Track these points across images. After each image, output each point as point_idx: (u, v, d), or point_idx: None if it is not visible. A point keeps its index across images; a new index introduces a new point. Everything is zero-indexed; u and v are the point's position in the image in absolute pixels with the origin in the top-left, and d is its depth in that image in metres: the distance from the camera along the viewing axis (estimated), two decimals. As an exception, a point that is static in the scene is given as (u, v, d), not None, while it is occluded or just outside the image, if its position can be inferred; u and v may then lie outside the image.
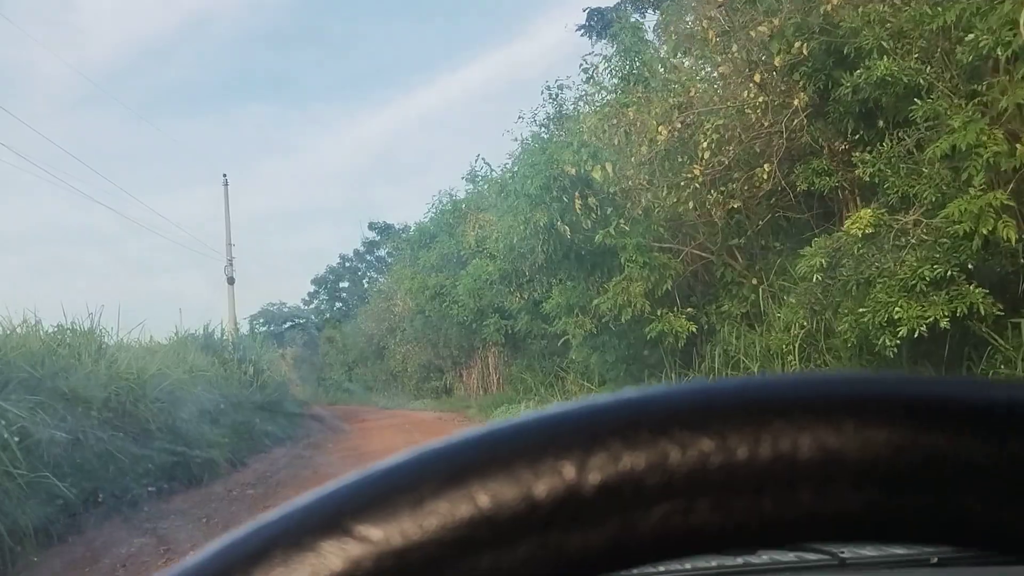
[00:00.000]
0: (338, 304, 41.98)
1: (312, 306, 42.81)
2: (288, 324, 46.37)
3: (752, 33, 7.56)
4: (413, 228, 20.08)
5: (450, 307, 16.24)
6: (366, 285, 38.95)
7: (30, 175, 38.44)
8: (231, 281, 27.11)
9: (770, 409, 0.31)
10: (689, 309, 8.70)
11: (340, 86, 60.64)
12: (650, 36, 12.37)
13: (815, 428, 0.30)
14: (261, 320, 45.01)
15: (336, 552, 0.29)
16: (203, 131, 53.84)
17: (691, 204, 7.76)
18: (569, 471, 0.29)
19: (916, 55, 6.93)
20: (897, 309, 6.14)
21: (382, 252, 39.40)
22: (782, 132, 7.35)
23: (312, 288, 42.05)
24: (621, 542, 0.30)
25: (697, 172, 7.38)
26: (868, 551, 1.11)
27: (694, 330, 8.34)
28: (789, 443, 0.29)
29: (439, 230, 19.16)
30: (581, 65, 12.69)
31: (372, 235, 38.77)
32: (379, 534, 0.29)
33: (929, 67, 6.89)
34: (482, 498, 0.29)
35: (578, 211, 8.96)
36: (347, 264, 40.82)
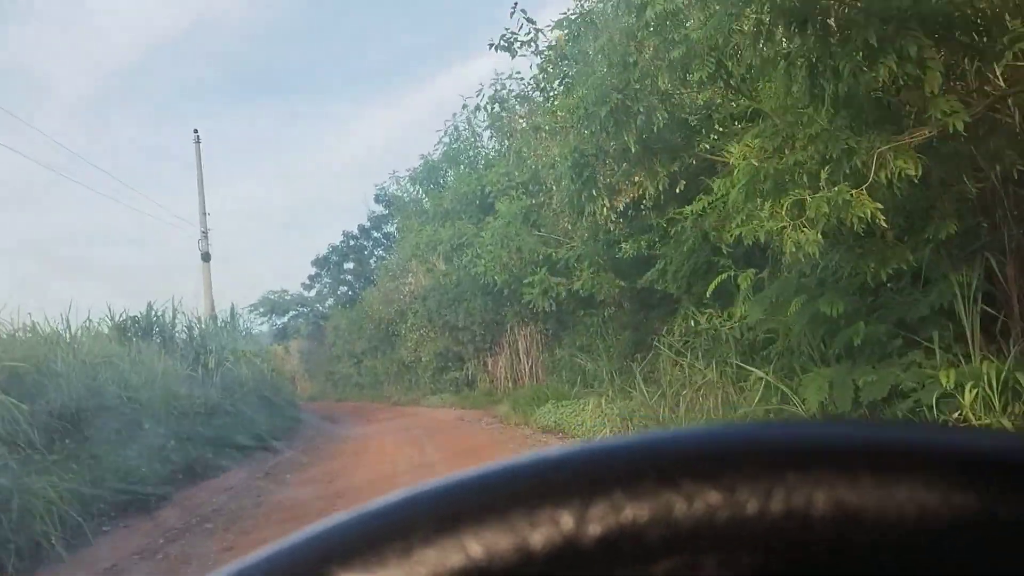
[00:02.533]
0: (342, 288, 37.32)
1: (314, 291, 38.15)
2: (291, 313, 41.90)
3: None
4: (420, 166, 15.05)
5: (473, 264, 11.41)
6: (373, 265, 34.23)
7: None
8: (206, 257, 22.52)
9: (784, 460, 0.28)
10: None
11: (354, 80, 58.62)
12: None
13: (832, 483, 0.28)
14: (261, 310, 40.52)
15: None
16: (215, 128, 52.14)
17: None
18: (567, 521, 0.28)
19: None
20: None
21: (391, 228, 34.71)
22: None
23: (313, 271, 37.32)
24: None
25: None
26: None
27: None
28: (803, 499, 0.28)
29: (454, 163, 14.20)
30: None
31: (379, 209, 33.92)
32: None
33: None
34: (474, 548, 0.28)
35: None
36: (351, 242, 36.07)
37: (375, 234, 35.69)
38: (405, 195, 13.22)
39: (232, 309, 21.29)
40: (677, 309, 8.40)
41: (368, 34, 57.14)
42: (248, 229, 59.94)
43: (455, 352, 23.10)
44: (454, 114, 14.65)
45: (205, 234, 22.47)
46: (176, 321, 14.61)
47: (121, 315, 13.78)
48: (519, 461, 0.30)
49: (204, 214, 22.41)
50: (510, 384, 21.68)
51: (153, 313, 14.27)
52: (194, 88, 52.24)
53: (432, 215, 13.80)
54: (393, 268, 28.55)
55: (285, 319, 41.98)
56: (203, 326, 14.89)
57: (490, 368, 22.73)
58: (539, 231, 10.11)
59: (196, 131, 23.15)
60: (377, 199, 33.23)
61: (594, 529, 0.27)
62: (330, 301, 37.67)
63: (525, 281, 10.15)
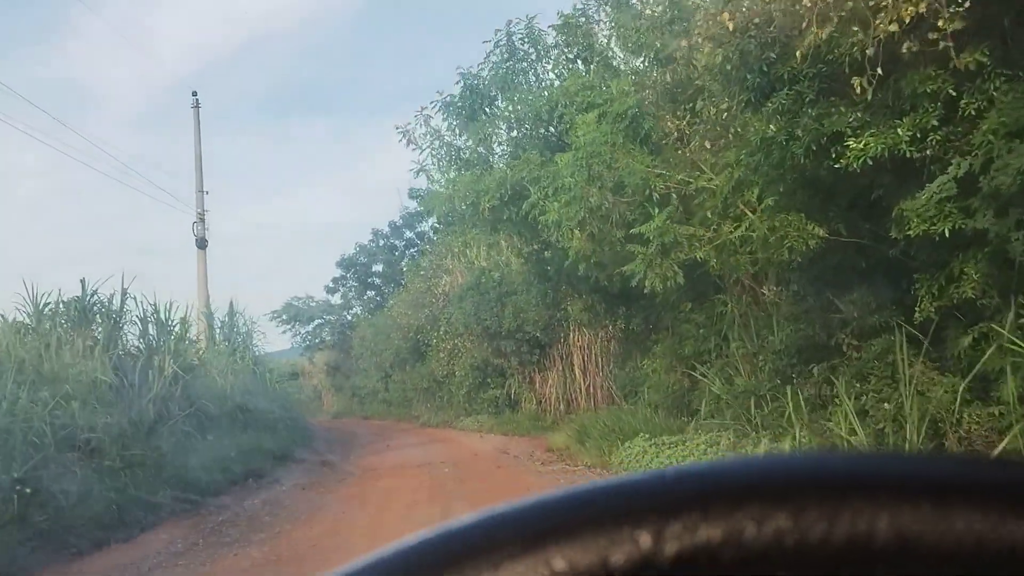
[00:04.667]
0: (370, 292, 33.55)
1: (338, 295, 34.40)
2: (316, 322, 38.28)
3: None
4: (457, 87, 10.38)
5: (537, 209, 7.18)
6: (404, 268, 30.43)
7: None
8: (202, 244, 18.88)
9: (848, 488, 0.30)
10: None
11: (403, 97, 58.14)
12: None
13: (894, 510, 0.29)
14: (284, 317, 36.96)
15: None
16: (262, 145, 52.17)
17: None
18: (646, 540, 0.29)
19: None
20: None
21: (425, 227, 30.91)
22: None
23: (338, 272, 33.59)
24: None
25: None
26: None
27: None
28: (865, 524, 0.29)
29: (507, 87, 9.90)
30: None
31: (413, 205, 30.08)
32: None
33: None
34: (558, 564, 0.29)
35: None
36: (381, 242, 32.31)
37: (408, 233, 31.93)
38: (434, 136, 9.51)
39: (231, 306, 17.62)
40: (949, 274, 4.34)
41: (417, 55, 56.04)
42: (284, 240, 58.36)
43: (495, 365, 19.30)
44: (509, 21, 10.30)
45: (201, 217, 18.85)
46: (126, 310, 10.84)
47: (44, 298, 10.01)
48: (600, 483, 0.31)
49: (201, 192, 18.82)
50: (562, 407, 17.74)
51: (92, 297, 10.51)
52: (242, 103, 51.23)
53: (471, 159, 9.58)
54: (425, 267, 24.81)
55: (310, 327, 38.35)
56: (163, 316, 11.12)
57: (537, 386, 18.86)
58: (651, 153, 6.02)
59: (195, 94, 19.71)
60: (411, 194, 29.46)
61: (670, 548, 0.28)
62: (357, 308, 33.94)
63: (631, 231, 6.03)
